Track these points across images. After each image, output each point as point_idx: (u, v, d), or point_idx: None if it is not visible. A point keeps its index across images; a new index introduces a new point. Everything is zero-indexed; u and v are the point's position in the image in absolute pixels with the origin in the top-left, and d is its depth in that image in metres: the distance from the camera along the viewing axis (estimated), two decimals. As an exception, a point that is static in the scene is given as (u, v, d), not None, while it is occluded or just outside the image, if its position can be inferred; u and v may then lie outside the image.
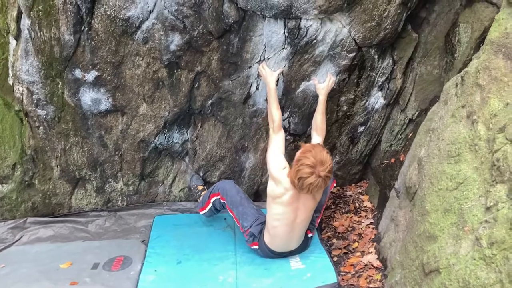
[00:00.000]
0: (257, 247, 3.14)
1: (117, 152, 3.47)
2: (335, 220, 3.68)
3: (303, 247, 3.18)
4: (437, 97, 3.09)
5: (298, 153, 2.80)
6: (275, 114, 3.02)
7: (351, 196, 3.91)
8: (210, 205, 3.35)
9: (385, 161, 3.68)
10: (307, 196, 2.85)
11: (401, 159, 3.40)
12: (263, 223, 3.11)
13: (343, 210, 3.78)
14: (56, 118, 3.21)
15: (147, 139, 3.43)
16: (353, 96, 3.45)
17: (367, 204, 3.78)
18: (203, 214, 3.45)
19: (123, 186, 3.69)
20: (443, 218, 2.28)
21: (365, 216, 3.66)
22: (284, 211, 2.89)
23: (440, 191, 2.37)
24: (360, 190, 3.98)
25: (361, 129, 3.67)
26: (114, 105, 3.20)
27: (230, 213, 3.26)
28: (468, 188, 2.18)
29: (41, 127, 3.26)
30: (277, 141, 2.99)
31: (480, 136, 2.18)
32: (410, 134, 3.48)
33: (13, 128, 3.37)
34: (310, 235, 3.23)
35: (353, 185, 4.07)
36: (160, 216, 3.70)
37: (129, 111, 3.27)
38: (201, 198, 3.56)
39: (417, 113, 3.45)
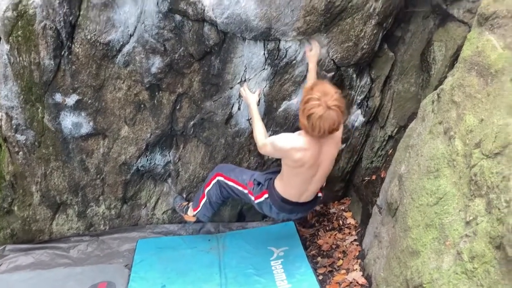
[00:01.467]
0: (267, 195, 2.98)
1: (98, 176, 3.44)
2: (319, 238, 3.69)
3: (312, 205, 3.11)
4: (414, 114, 3.15)
5: (304, 91, 2.69)
6: (259, 131, 2.97)
7: (334, 213, 3.94)
8: (205, 198, 3.26)
9: (366, 178, 3.72)
10: (326, 149, 2.73)
11: (382, 175, 3.45)
12: (268, 174, 3.02)
13: (327, 228, 3.80)
14: (36, 143, 3.18)
15: (129, 162, 3.41)
16: (333, 115, 3.49)
17: (351, 221, 3.80)
18: (196, 214, 3.39)
19: (105, 210, 3.64)
20: (425, 233, 2.31)
21: (349, 233, 3.68)
22: (306, 170, 2.77)
23: (421, 206, 2.41)
24: (343, 207, 4.01)
25: (342, 146, 3.72)
26: (95, 128, 3.18)
27: (229, 182, 3.14)
28: (448, 203, 2.22)
29: (20, 153, 3.21)
30: (274, 140, 2.83)
31: (457, 152, 2.24)
32: (390, 151, 3.54)
33: (-9, 154, 3.31)
34: (319, 194, 3.13)
35: (336, 202, 4.10)
36: (143, 239, 3.65)
37: (110, 134, 3.25)
38: (189, 203, 3.51)
39: (396, 129, 3.52)
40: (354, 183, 3.95)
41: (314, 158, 2.71)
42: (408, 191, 2.59)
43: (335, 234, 3.69)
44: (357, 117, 3.57)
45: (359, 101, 3.49)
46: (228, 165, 3.32)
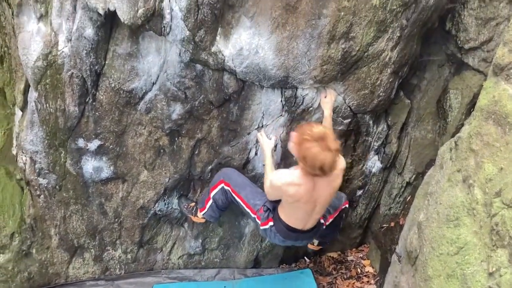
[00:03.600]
0: (272, 223, 2.98)
1: (116, 220, 3.46)
2: (337, 287, 3.61)
3: (315, 232, 3.08)
4: (432, 161, 3.15)
5: (293, 143, 2.69)
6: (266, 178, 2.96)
7: (352, 261, 3.87)
8: (211, 201, 3.20)
9: (385, 225, 3.68)
10: (322, 184, 2.73)
11: (400, 222, 3.41)
12: (277, 202, 2.98)
13: (345, 276, 3.72)
14: (57, 187, 3.24)
15: (147, 206, 3.43)
16: (350, 161, 3.51)
17: (369, 269, 3.73)
18: (203, 215, 3.30)
19: (121, 254, 3.64)
20: (447, 284, 2.26)
21: (368, 282, 3.60)
22: (303, 205, 2.79)
23: (441, 255, 2.37)
24: (361, 255, 3.94)
25: (359, 192, 3.71)
26: (116, 172, 3.24)
27: (237, 198, 3.09)
28: (469, 252, 2.18)
29: (41, 196, 3.27)
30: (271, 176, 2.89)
31: (477, 200, 2.22)
32: (409, 197, 3.51)
33: (13, 197, 3.37)
34: (322, 221, 3.12)
35: (354, 249, 4.03)
36: (159, 284, 3.62)
37: (130, 179, 3.30)
38: (197, 204, 3.40)
39: (414, 176, 3.50)
40: (372, 230, 3.90)
41: (308, 194, 2.73)
42: (428, 240, 2.55)
43: (353, 283, 3.62)
44: (374, 163, 3.57)
45: (376, 147, 3.50)
46: (235, 175, 3.19)
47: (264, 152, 3.14)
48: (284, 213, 2.94)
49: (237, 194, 3.10)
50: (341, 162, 2.86)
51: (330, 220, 3.27)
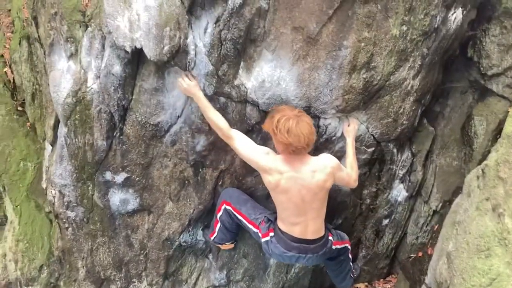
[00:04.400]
0: (272, 233, 2.96)
1: (142, 251, 3.48)
2: (366, 319, 3.53)
3: (322, 247, 2.98)
4: (459, 188, 3.09)
5: (267, 124, 2.79)
6: (217, 118, 2.79)
7: (380, 292, 3.78)
8: (219, 224, 3.22)
9: (412, 255, 3.60)
10: (303, 169, 2.76)
11: (428, 252, 3.33)
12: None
13: (373, 308, 3.64)
14: (85, 219, 3.29)
15: (172, 237, 3.45)
16: (375, 189, 3.48)
17: (398, 301, 3.64)
18: (213, 239, 3.33)
19: (147, 286, 3.64)
20: (480, 317, 2.19)
21: (397, 314, 3.51)
22: (288, 196, 2.80)
23: (473, 287, 2.30)
24: (389, 286, 3.85)
25: (385, 222, 3.65)
26: (141, 204, 3.28)
27: (239, 216, 3.09)
28: (502, 284, 2.12)
29: (69, 228, 3.33)
30: (242, 139, 2.83)
31: (508, 230, 2.16)
32: (436, 226, 3.44)
33: (42, 230, 3.45)
34: (330, 237, 3.05)
35: (381, 280, 3.94)
36: (184, 317, 3.60)
37: (155, 210, 3.34)
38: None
39: (440, 204, 3.44)
40: (399, 260, 3.81)
41: (290, 181, 2.75)
42: (458, 270, 2.48)
43: (382, 315, 3.53)
44: (400, 192, 3.53)
45: (401, 175, 3.47)
46: (236, 193, 3.22)
47: (195, 96, 2.78)
48: (280, 221, 2.93)
49: (238, 211, 3.12)
50: (329, 159, 2.87)
51: (337, 245, 3.18)
